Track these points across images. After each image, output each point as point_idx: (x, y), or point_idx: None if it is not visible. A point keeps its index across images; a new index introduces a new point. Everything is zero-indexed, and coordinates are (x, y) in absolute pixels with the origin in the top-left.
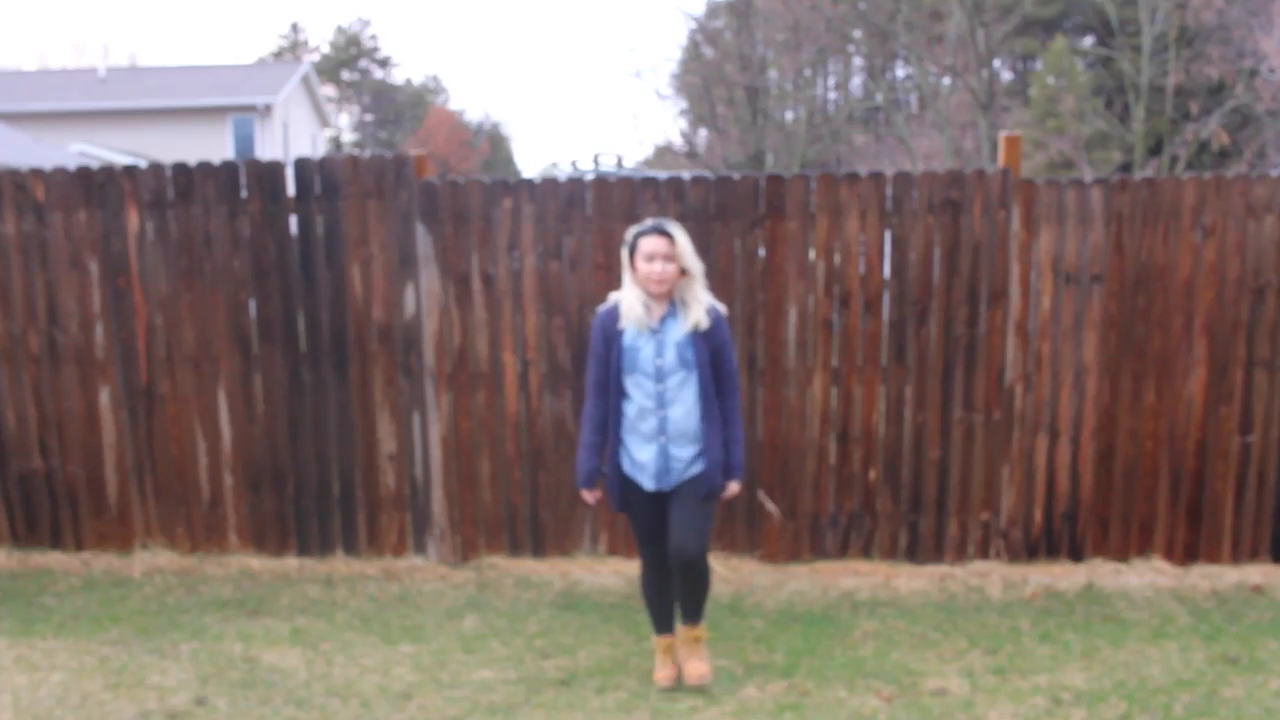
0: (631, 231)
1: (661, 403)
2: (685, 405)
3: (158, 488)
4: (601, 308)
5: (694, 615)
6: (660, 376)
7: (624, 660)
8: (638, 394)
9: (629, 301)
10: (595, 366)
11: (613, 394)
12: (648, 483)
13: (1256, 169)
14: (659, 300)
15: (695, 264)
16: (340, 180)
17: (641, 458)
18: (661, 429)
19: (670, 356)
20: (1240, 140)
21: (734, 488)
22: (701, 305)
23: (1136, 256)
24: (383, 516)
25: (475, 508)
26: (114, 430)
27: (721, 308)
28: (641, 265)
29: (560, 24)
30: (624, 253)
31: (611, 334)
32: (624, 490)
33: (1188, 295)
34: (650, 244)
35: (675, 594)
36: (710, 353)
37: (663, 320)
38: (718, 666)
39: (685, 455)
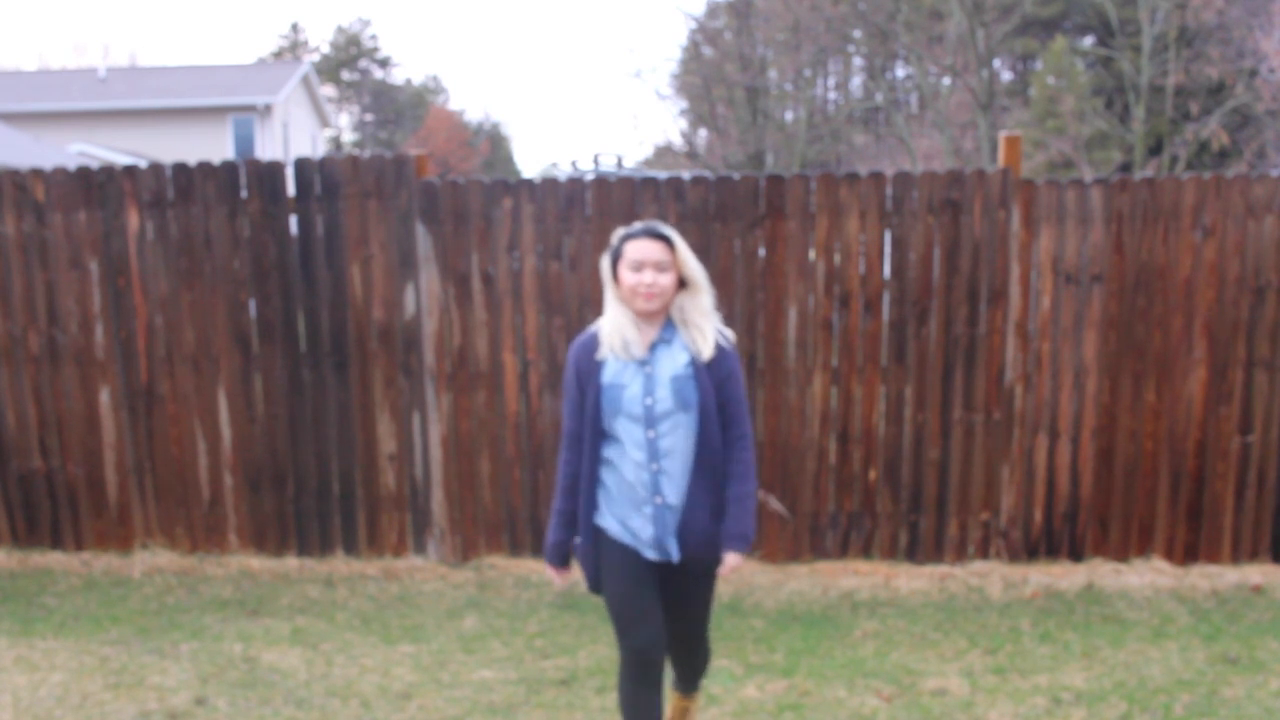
0: (616, 235)
1: (654, 454)
2: (686, 457)
3: (158, 488)
4: (578, 338)
5: (690, 684)
6: (651, 421)
7: None
8: (625, 443)
9: (611, 325)
10: (569, 413)
11: (587, 442)
12: (647, 552)
13: (1256, 169)
14: (649, 321)
15: (699, 272)
16: (340, 180)
17: (634, 524)
18: (656, 488)
19: (664, 395)
20: (1240, 140)
21: (732, 561)
22: (709, 328)
23: (1136, 256)
24: (383, 516)
25: (475, 508)
26: (114, 430)
27: (729, 334)
28: (627, 276)
29: (560, 24)
30: (604, 263)
31: (587, 370)
32: (601, 563)
33: (1188, 295)
34: (639, 249)
35: (670, 661)
36: (715, 388)
37: (653, 348)
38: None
39: (690, 518)
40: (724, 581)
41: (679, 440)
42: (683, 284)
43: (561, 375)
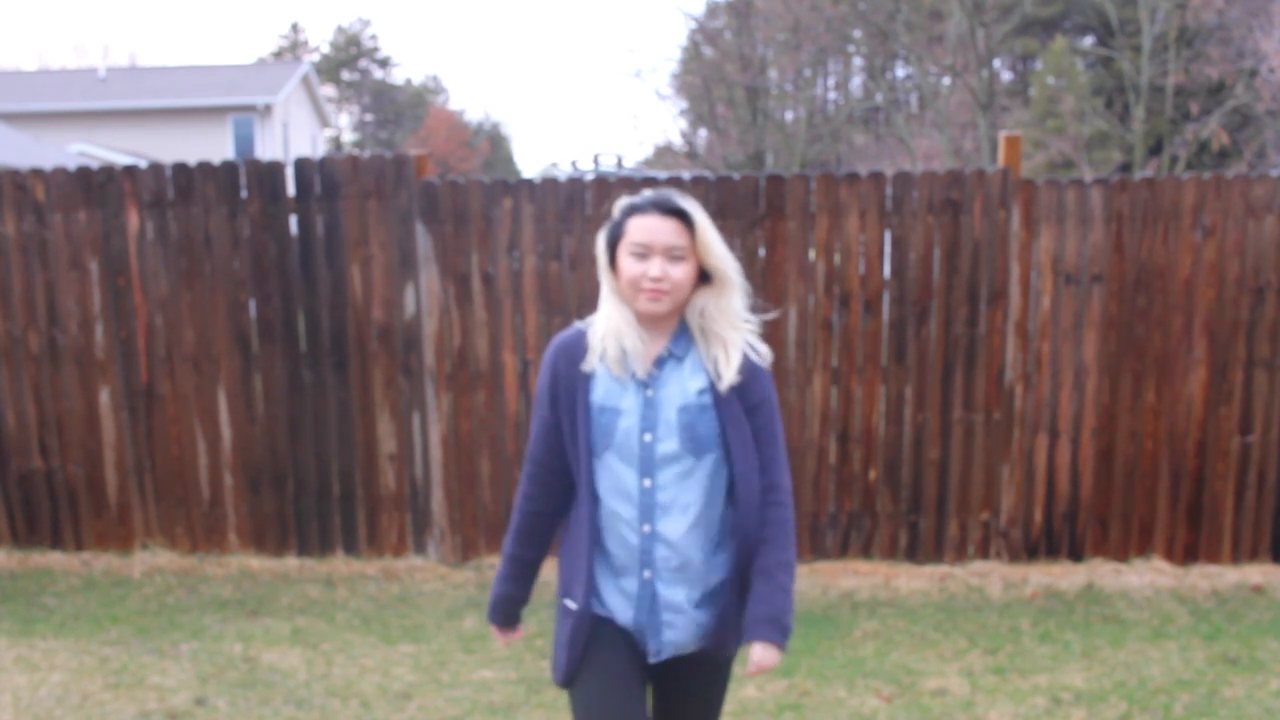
0: (618, 207)
1: (648, 510)
2: (689, 516)
3: (158, 488)
4: (559, 335)
5: None
6: (648, 465)
7: None
8: (609, 491)
9: (605, 327)
10: (538, 428)
11: (582, 484)
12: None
13: (1256, 169)
14: (656, 327)
15: (727, 262)
16: (340, 180)
17: (613, 601)
18: (645, 558)
19: (668, 431)
20: (1240, 140)
21: (762, 657)
22: (737, 341)
23: (1136, 256)
24: (383, 516)
25: (475, 508)
26: (114, 430)
27: (763, 349)
28: (629, 265)
29: (560, 24)
30: (601, 243)
31: (570, 380)
32: (586, 648)
33: (1188, 295)
34: (646, 228)
35: None
36: (744, 422)
37: (659, 364)
38: None
39: (686, 602)
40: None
41: (684, 494)
42: (704, 277)
43: None
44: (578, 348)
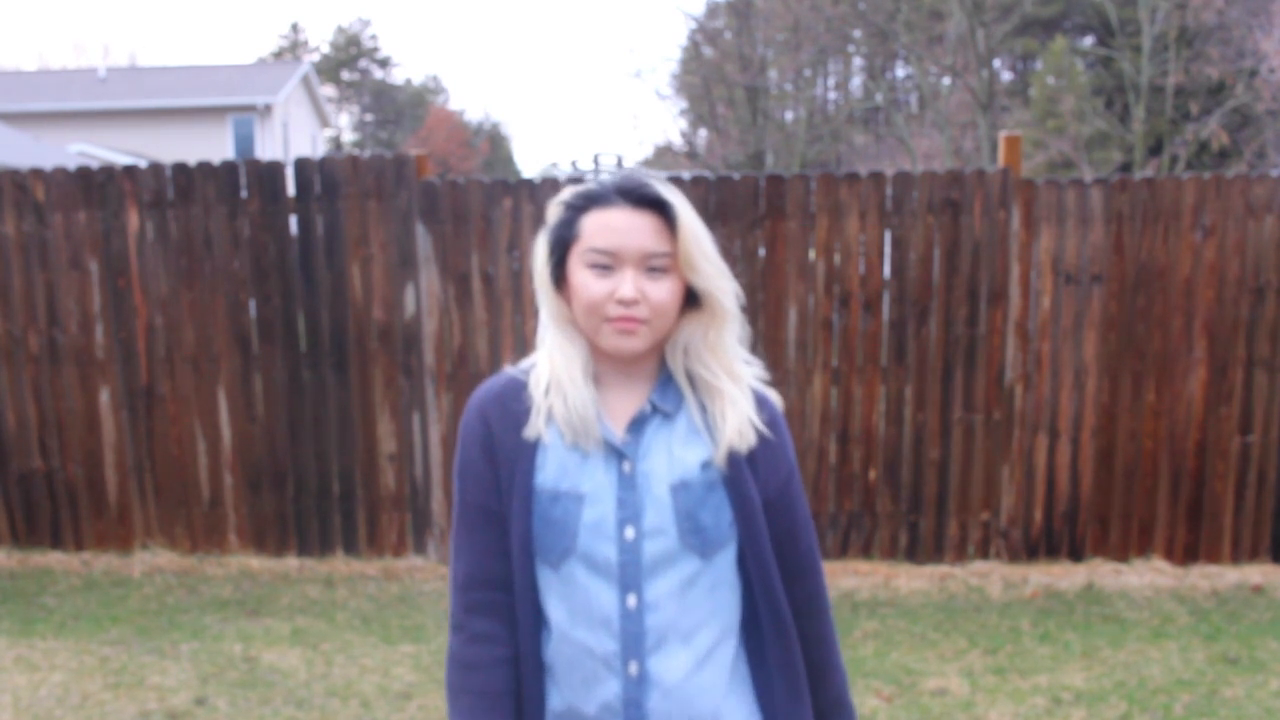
0: (561, 200)
1: (635, 642)
2: (696, 648)
3: (158, 488)
4: (482, 386)
5: None
6: (632, 574)
7: None
8: (571, 617)
9: (551, 375)
10: (480, 530)
11: (523, 595)
12: None
13: (1256, 169)
14: (628, 372)
15: (723, 281)
16: (340, 180)
17: None
18: (633, 713)
19: (660, 520)
20: (1240, 140)
21: None
22: (743, 388)
23: (1136, 256)
24: (383, 516)
25: None
26: (114, 430)
27: (775, 397)
28: (586, 281)
29: (560, 24)
30: (539, 252)
31: (508, 453)
32: None
33: (1188, 295)
34: (613, 226)
35: None
36: (764, 504)
37: (638, 425)
38: None
39: None
40: None
41: (687, 615)
42: (690, 298)
43: None
44: (516, 403)
